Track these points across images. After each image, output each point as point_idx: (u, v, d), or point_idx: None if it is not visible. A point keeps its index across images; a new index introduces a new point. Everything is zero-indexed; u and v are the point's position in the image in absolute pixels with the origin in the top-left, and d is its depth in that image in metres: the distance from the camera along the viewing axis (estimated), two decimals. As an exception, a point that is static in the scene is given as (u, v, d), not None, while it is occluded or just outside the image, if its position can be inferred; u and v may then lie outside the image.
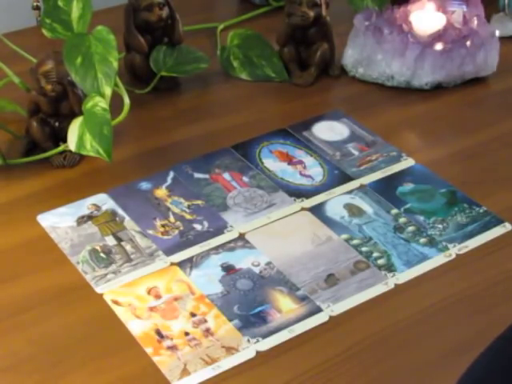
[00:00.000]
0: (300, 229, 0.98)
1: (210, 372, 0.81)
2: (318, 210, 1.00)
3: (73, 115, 1.03)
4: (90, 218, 0.98)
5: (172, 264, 0.93)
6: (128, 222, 0.98)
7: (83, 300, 0.89)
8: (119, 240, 0.96)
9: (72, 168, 1.06)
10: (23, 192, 1.02)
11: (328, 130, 1.14)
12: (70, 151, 1.03)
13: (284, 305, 0.88)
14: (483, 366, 0.73)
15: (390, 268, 0.93)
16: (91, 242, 0.95)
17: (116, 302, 0.88)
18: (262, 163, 1.07)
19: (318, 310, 0.88)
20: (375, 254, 0.94)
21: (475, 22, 1.22)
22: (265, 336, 0.85)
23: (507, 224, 0.99)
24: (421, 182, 1.05)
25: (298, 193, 1.03)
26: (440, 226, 0.99)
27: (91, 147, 0.99)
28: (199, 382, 0.81)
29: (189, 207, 1.00)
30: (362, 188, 1.04)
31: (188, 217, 0.99)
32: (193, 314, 0.87)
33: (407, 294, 0.90)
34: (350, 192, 1.03)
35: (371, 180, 1.05)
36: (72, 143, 1.01)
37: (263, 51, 1.25)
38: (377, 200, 1.02)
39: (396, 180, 1.05)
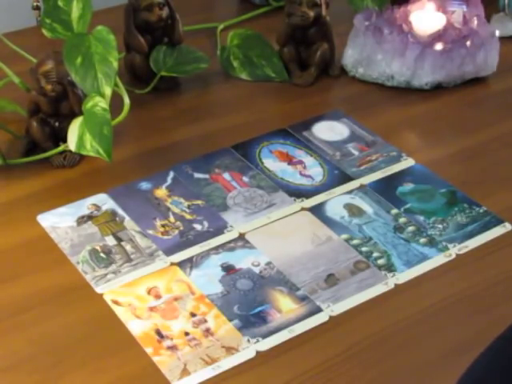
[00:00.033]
0: (300, 229, 0.98)
1: (209, 372, 0.81)
2: (317, 210, 1.00)
3: (73, 115, 1.03)
4: (89, 217, 0.99)
5: (172, 264, 0.93)
6: (128, 222, 0.98)
7: (83, 300, 0.89)
8: (119, 240, 0.96)
9: (72, 168, 1.06)
10: (23, 192, 1.02)
11: (328, 130, 1.14)
12: (70, 151, 1.03)
13: (284, 305, 0.88)
14: (483, 365, 0.73)
15: (390, 268, 0.93)
16: (91, 241, 0.95)
17: (116, 302, 0.88)
18: (262, 163, 1.07)
19: (318, 310, 0.88)
20: (375, 254, 0.94)
21: (475, 22, 1.22)
22: (265, 336, 0.85)
23: (507, 224, 0.99)
24: (421, 181, 1.05)
25: (298, 193, 1.03)
26: (440, 225, 0.99)
27: (91, 147, 0.99)
28: (199, 382, 0.81)
29: (189, 207, 1.00)
30: (361, 188, 1.04)
31: (188, 217, 0.99)
32: (193, 314, 0.87)
33: (407, 294, 0.90)
34: (350, 192, 1.03)
35: (371, 180, 1.05)
36: (72, 143, 1.01)
37: (263, 51, 1.25)
38: (377, 200, 1.02)
39: (396, 180, 1.05)
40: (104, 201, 1.01)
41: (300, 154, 1.09)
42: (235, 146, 1.10)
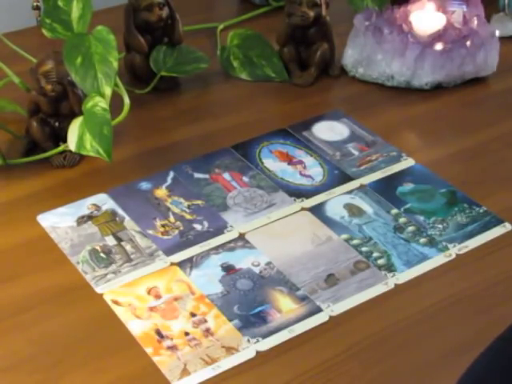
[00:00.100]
0: (300, 229, 0.98)
1: (209, 372, 0.81)
2: (318, 210, 1.00)
3: (73, 115, 1.03)
4: (89, 217, 0.99)
5: (172, 264, 0.93)
6: (128, 222, 0.98)
7: (83, 300, 0.89)
8: (119, 240, 0.96)
9: (72, 168, 1.06)
10: (23, 192, 1.02)
11: (328, 130, 1.14)
12: (70, 151, 1.03)
13: (284, 305, 0.88)
14: (483, 365, 0.73)
15: (390, 268, 0.93)
16: (91, 241, 0.95)
17: (116, 302, 0.88)
18: (262, 163, 1.07)
19: (318, 309, 0.88)
20: (375, 254, 0.94)
21: (475, 22, 1.22)
22: (265, 336, 0.85)
23: (507, 224, 0.99)
24: (421, 181, 1.05)
25: (298, 193, 1.03)
26: (440, 226, 0.99)
27: (91, 147, 0.99)
28: (199, 382, 0.81)
29: (189, 207, 1.00)
30: (361, 188, 1.04)
31: (188, 217, 0.99)
32: (193, 314, 0.87)
33: (407, 294, 0.90)
34: (350, 192, 1.03)
35: (371, 180, 1.05)
36: (72, 143, 1.01)
37: (263, 51, 1.25)
38: (377, 200, 1.02)
39: (396, 180, 1.05)
40: (104, 201, 1.01)
41: (300, 153, 1.09)
42: (235, 146, 1.10)
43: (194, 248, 0.95)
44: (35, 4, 1.31)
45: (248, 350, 0.84)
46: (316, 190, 1.03)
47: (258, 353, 0.83)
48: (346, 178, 1.05)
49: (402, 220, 0.99)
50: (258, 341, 0.84)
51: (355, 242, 0.96)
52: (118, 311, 0.87)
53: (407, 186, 1.04)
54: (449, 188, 1.04)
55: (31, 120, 1.05)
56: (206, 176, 1.05)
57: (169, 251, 0.94)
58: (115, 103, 1.04)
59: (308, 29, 1.21)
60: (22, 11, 1.32)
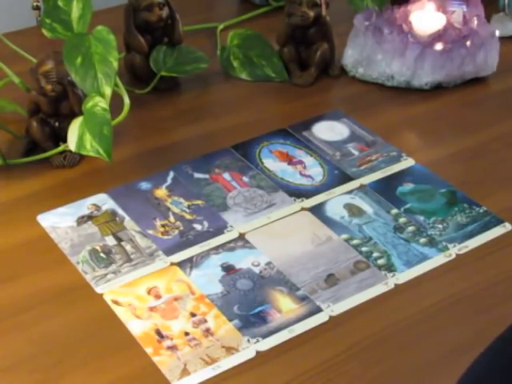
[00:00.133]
0: (300, 229, 0.98)
1: (210, 372, 0.81)
2: (318, 210, 1.00)
3: (73, 115, 1.03)
4: (89, 217, 0.99)
5: (172, 264, 0.93)
6: (128, 222, 0.98)
7: (83, 300, 0.89)
8: (119, 240, 0.96)
9: (72, 168, 1.06)
10: (23, 192, 1.02)
11: (328, 130, 1.14)
12: (70, 151, 1.03)
13: (284, 305, 0.88)
14: (483, 366, 0.73)
15: (390, 268, 0.93)
16: (91, 242, 0.95)
17: (116, 302, 0.88)
18: (262, 163, 1.07)
19: (318, 310, 0.88)
20: (375, 254, 0.94)
21: (475, 22, 1.22)
22: (265, 336, 0.85)
23: (507, 224, 0.99)
24: (421, 181, 1.05)
25: (298, 193, 1.03)
26: (440, 225, 0.99)
27: (91, 147, 0.99)
28: (199, 382, 0.81)
29: (189, 207, 1.00)
30: (361, 188, 1.04)
31: (188, 217, 0.99)
32: (193, 314, 0.87)
33: (407, 294, 0.90)
34: (350, 192, 1.03)
35: (371, 180, 1.05)
36: (72, 143, 1.01)
37: (263, 51, 1.25)
38: (377, 200, 1.02)
39: (396, 180, 1.05)
40: (104, 201, 1.01)
41: (300, 154, 1.09)
42: (235, 146, 1.10)
43: (194, 248, 0.95)
44: (35, 4, 1.31)
45: (248, 350, 0.84)
46: (316, 190, 1.03)
47: (257, 353, 0.83)
48: (345, 178, 1.05)
49: (401, 220, 0.99)
50: (258, 341, 0.84)
51: (355, 242, 0.96)
52: (118, 311, 0.87)
53: (407, 186, 1.04)
54: (449, 188, 1.04)
55: (31, 120, 1.05)
56: (206, 176, 1.05)
57: (169, 251, 0.94)
58: (115, 103, 1.04)
59: (308, 29, 1.21)
60: (22, 11, 1.32)
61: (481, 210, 1.01)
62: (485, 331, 0.85)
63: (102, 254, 0.94)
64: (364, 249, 0.95)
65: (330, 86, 1.24)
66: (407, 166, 1.08)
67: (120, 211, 0.99)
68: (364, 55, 1.22)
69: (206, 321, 0.86)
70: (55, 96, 1.03)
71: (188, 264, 0.93)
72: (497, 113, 1.18)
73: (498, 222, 0.99)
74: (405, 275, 0.92)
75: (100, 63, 1.02)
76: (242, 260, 0.93)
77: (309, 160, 1.08)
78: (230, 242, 0.96)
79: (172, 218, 0.99)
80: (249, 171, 1.06)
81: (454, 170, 1.07)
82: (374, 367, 0.83)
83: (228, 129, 1.14)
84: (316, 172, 1.06)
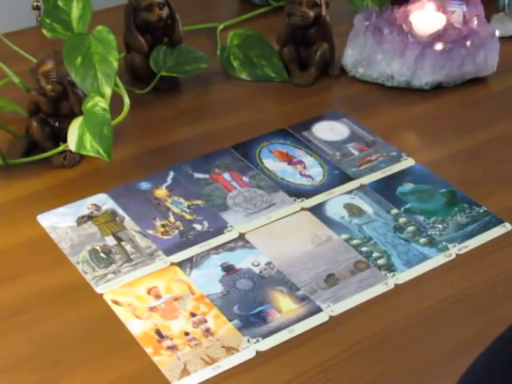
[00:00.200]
0: (300, 229, 0.98)
1: (209, 372, 0.81)
2: (318, 210, 1.00)
3: (73, 115, 1.03)
4: (90, 218, 0.99)
5: (172, 264, 0.93)
6: (128, 222, 0.98)
7: (83, 300, 0.89)
8: (119, 240, 0.96)
9: (72, 168, 1.06)
10: (23, 192, 1.02)
11: (328, 130, 1.14)
12: (70, 151, 1.03)
13: (284, 305, 0.88)
14: (483, 366, 0.73)
15: (390, 268, 0.93)
16: (91, 241, 0.95)
17: (116, 302, 0.88)
18: (262, 163, 1.07)
19: (318, 309, 0.88)
20: (375, 254, 0.94)
21: (475, 22, 1.22)
22: (265, 336, 0.85)
23: (507, 224, 0.99)
24: (421, 181, 1.05)
25: (297, 193, 1.03)
26: (440, 225, 0.99)
27: (91, 147, 0.99)
28: (199, 382, 0.81)
29: (189, 207, 1.00)
30: (361, 188, 1.04)
31: (188, 217, 0.99)
32: (193, 314, 0.87)
33: (407, 294, 0.90)
34: (350, 192, 1.03)
35: (371, 180, 1.05)
36: (72, 143, 1.01)
37: (263, 51, 1.25)
38: (377, 200, 1.02)
39: (396, 180, 1.05)
40: (104, 201, 1.01)
41: (300, 154, 1.09)
42: (235, 146, 1.10)
43: (194, 248, 0.95)
44: (35, 4, 1.31)
45: (248, 350, 0.84)
46: (316, 190, 1.03)
47: (257, 353, 0.83)
48: (346, 178, 1.05)
49: (402, 220, 0.99)
50: (258, 341, 0.84)
51: (355, 242, 0.96)
52: (118, 311, 0.87)
53: (407, 186, 1.04)
54: (449, 188, 1.04)
55: (31, 120, 1.05)
56: (206, 176, 1.05)
57: (169, 251, 0.94)
58: (115, 103, 1.04)
59: (308, 29, 1.21)
60: (22, 11, 1.32)
61: (481, 210, 1.01)
62: (485, 331, 0.85)
63: (101, 254, 0.94)
64: (364, 249, 0.95)
65: (330, 86, 1.24)
66: (407, 165, 1.08)
67: (120, 211, 0.99)
68: (364, 55, 1.23)
69: (205, 321, 0.86)
70: (55, 96, 1.03)
71: (188, 264, 0.93)
72: (497, 113, 1.18)
73: (498, 222, 0.99)
74: (405, 275, 0.92)
75: (100, 63, 1.02)
76: (242, 260, 0.93)
77: (309, 160, 1.08)
78: (229, 241, 0.96)
79: (172, 218, 0.99)
80: (249, 171, 1.06)
81: (453, 170, 1.07)
82: (374, 367, 0.83)
83: (228, 129, 1.14)
84: (316, 172, 1.06)
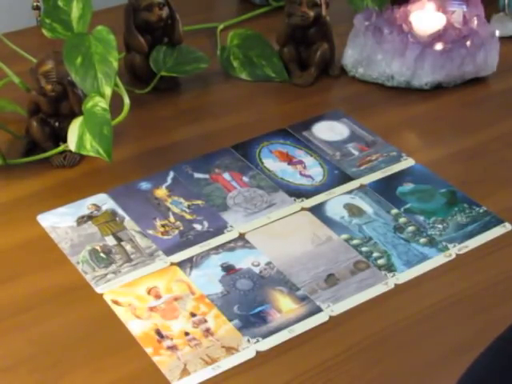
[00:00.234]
0: (300, 229, 0.98)
1: (209, 372, 0.81)
2: (318, 210, 1.00)
3: (73, 115, 1.03)
4: (90, 217, 0.99)
5: (172, 264, 0.93)
6: (128, 222, 0.98)
7: (83, 300, 0.89)
8: (119, 240, 0.96)
9: (72, 168, 1.06)
10: (23, 192, 1.02)
11: (328, 130, 1.14)
12: (70, 151, 1.03)
13: (284, 305, 0.88)
14: (483, 366, 0.73)
15: (390, 268, 0.93)
16: (91, 241, 0.95)
17: (116, 302, 0.88)
18: (262, 163, 1.07)
19: (318, 309, 0.88)
20: (375, 254, 0.94)
21: (475, 22, 1.22)
22: (265, 336, 0.85)
23: (507, 224, 0.99)
24: (421, 181, 1.05)
25: (297, 193, 1.03)
26: (440, 225, 0.99)
27: (91, 147, 0.99)
28: (199, 382, 0.81)
29: (189, 207, 1.00)
30: (362, 188, 1.04)
31: (188, 217, 0.99)
32: (193, 314, 0.87)
33: (407, 294, 0.90)
34: (350, 192, 1.03)
35: (371, 180, 1.05)
36: (72, 143, 1.01)
37: (263, 51, 1.25)
38: (377, 200, 1.02)
39: (396, 180, 1.05)
40: (104, 201, 1.01)
41: (300, 154, 1.09)
42: (235, 146, 1.10)
43: (194, 248, 0.95)
44: (35, 4, 1.31)
45: (248, 350, 0.84)
46: (316, 190, 1.03)
47: (258, 353, 0.83)
48: (346, 178, 1.05)
49: (402, 220, 0.99)
50: (258, 341, 0.84)
51: (355, 242, 0.96)
52: (118, 311, 0.87)
53: (407, 186, 1.04)
54: (449, 188, 1.04)
55: (31, 120, 1.05)
56: (206, 176, 1.05)
57: (169, 251, 0.94)
58: (115, 103, 1.04)
59: (308, 29, 1.21)
60: (22, 11, 1.32)
61: (481, 210, 1.01)
62: (485, 331, 0.85)
63: (101, 254, 0.94)
64: (364, 249, 0.95)
65: (330, 86, 1.24)
66: (407, 165, 1.08)
67: (120, 211, 0.99)
68: (364, 55, 1.22)
69: (206, 321, 0.86)
70: (55, 96, 1.03)
71: (188, 264, 0.93)
72: (497, 113, 1.18)
73: (498, 222, 0.99)
74: (405, 275, 0.92)
75: (100, 63, 1.02)
76: (242, 260, 0.93)
77: (309, 160, 1.08)
78: (230, 241, 0.96)
79: (172, 218, 0.99)
80: (249, 171, 1.06)
81: (454, 170, 1.07)
82: (374, 367, 0.83)
83: (228, 129, 1.14)
84: (316, 172, 1.06)
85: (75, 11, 1.08)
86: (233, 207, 1.00)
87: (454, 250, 0.95)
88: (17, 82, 1.10)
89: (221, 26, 1.32)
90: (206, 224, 0.98)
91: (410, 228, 0.98)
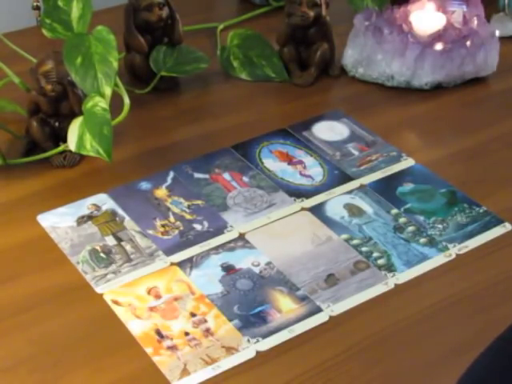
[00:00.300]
0: (300, 229, 0.98)
1: (209, 372, 0.81)
2: (318, 210, 1.00)
3: (73, 115, 1.03)
4: (89, 217, 0.99)
5: (172, 264, 0.93)
6: (128, 222, 0.98)
7: (83, 300, 0.89)
8: (119, 240, 0.96)
9: (72, 168, 1.06)
10: (23, 192, 1.02)
11: (328, 130, 1.14)
12: (70, 151, 1.03)
13: (284, 305, 0.88)
14: (483, 366, 0.73)
15: (390, 268, 0.93)
16: (91, 242, 0.95)
17: (116, 302, 0.88)
18: (262, 163, 1.07)
19: (318, 309, 0.88)
20: (375, 254, 0.94)
21: (475, 22, 1.22)
22: (265, 336, 0.85)
23: (507, 224, 0.99)
24: (421, 181, 1.05)
25: (297, 193, 1.03)
26: (440, 225, 0.99)
27: (91, 147, 0.99)
28: (199, 382, 0.81)
29: (189, 207, 1.00)
30: (362, 188, 1.04)
31: (188, 217, 0.99)
32: (193, 314, 0.87)
33: (407, 294, 0.90)
34: (350, 192, 1.03)
35: (371, 180, 1.05)
36: (72, 143, 1.01)
37: (263, 51, 1.25)
38: (377, 200, 1.02)
39: (396, 180, 1.05)
40: (104, 201, 1.01)
41: (300, 154, 1.09)
42: (235, 146, 1.10)
43: (194, 248, 0.95)
44: (35, 4, 1.31)
45: (248, 350, 0.84)
46: (316, 190, 1.03)
47: (258, 353, 0.83)
48: (346, 178, 1.05)
49: (402, 220, 0.99)
50: (258, 341, 0.84)
51: (355, 242, 0.96)
52: (118, 311, 0.87)
53: (407, 186, 1.04)
54: (449, 188, 1.04)
55: (31, 120, 1.05)
56: (206, 176, 1.05)
57: (169, 251, 0.94)
58: (115, 103, 1.04)
59: (308, 29, 1.21)
60: (22, 11, 1.32)
61: (481, 210, 1.01)
62: (485, 331, 0.85)
63: (102, 254, 0.94)
64: (364, 249, 0.95)
65: (330, 86, 1.24)
66: (407, 165, 1.08)
67: (120, 211, 0.99)
68: (364, 55, 1.22)
69: (206, 321, 0.86)
70: (55, 96, 1.03)
71: (188, 264, 0.93)
72: (497, 113, 1.18)
73: (498, 221, 0.99)
74: (405, 275, 0.92)
75: (100, 63, 1.02)
76: (242, 260, 0.93)
77: (309, 160, 1.08)
78: (230, 241, 0.96)
79: (172, 218, 0.99)
80: (249, 171, 1.06)
81: (454, 170, 1.07)
82: (374, 367, 0.83)
83: (228, 129, 1.14)
84: (316, 172, 1.06)
85: (75, 11, 1.08)
86: (233, 207, 1.00)
87: (454, 250, 0.95)
88: (17, 82, 1.10)
89: (221, 26, 1.32)
90: (205, 224, 0.98)
91: (410, 228, 0.98)
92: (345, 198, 1.02)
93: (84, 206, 1.00)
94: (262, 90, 1.22)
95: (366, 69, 1.23)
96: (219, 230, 0.97)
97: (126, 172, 1.05)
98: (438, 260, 0.94)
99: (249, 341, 0.84)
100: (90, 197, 1.01)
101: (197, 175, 1.05)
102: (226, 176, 1.05)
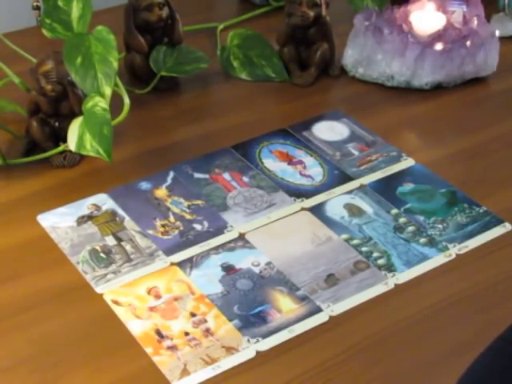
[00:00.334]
0: (300, 229, 0.98)
1: (209, 372, 0.81)
2: (318, 210, 1.00)
3: (73, 115, 1.03)
4: (90, 217, 0.99)
5: (172, 264, 0.93)
6: (128, 222, 0.98)
7: (83, 300, 0.89)
8: (119, 240, 0.96)
9: (72, 168, 1.06)
10: (23, 192, 1.02)
11: (328, 130, 1.14)
12: (70, 151, 1.03)
13: (284, 305, 0.88)
14: (483, 366, 0.73)
15: (390, 268, 0.93)
16: (91, 241, 0.95)
17: (116, 302, 0.88)
18: (262, 163, 1.07)
19: (318, 309, 0.88)
20: (375, 254, 0.94)
21: (475, 22, 1.22)
22: (265, 336, 0.85)
23: (507, 224, 0.99)
24: (421, 181, 1.05)
25: (297, 193, 1.03)
26: (440, 225, 0.99)
27: (91, 147, 0.99)
28: (199, 382, 0.81)
29: (189, 207, 1.00)
30: (362, 188, 1.04)
31: (188, 217, 0.99)
32: (193, 314, 0.87)
33: (407, 294, 0.90)
34: (350, 192, 1.03)
35: (371, 180, 1.05)
36: (72, 143, 1.01)
37: (263, 51, 1.25)
38: (377, 200, 1.02)
39: (396, 180, 1.05)
40: (104, 201, 1.01)
41: (300, 154, 1.09)
42: (235, 146, 1.10)
43: (194, 248, 0.95)
44: (35, 4, 1.31)
45: (248, 350, 0.84)
46: (316, 190, 1.03)
47: (258, 353, 0.83)
48: (346, 178, 1.05)
49: (402, 220, 0.99)
50: (258, 341, 0.84)
51: (355, 241, 0.96)
52: (118, 311, 0.87)
53: (407, 186, 1.04)
54: (449, 188, 1.04)
55: (31, 120, 1.05)
56: (206, 176, 1.05)
57: (169, 251, 0.94)
58: (115, 103, 1.04)
59: (308, 29, 1.21)
60: (22, 11, 1.32)
61: (481, 210, 1.01)
62: (485, 331, 0.85)
63: (102, 254, 0.94)
64: (364, 249, 0.95)
65: (330, 86, 1.24)
66: (407, 165, 1.08)
67: (120, 211, 0.99)
68: (364, 55, 1.22)
69: (206, 321, 0.86)
70: (55, 96, 1.03)
71: (188, 264, 0.93)
72: (497, 113, 1.18)
73: (498, 222, 0.99)
74: (405, 275, 0.92)
75: (100, 63, 1.02)
76: (242, 260, 0.93)
77: (309, 160, 1.08)
78: (230, 241, 0.96)
79: (172, 218, 0.99)
80: (249, 171, 1.06)
81: (454, 170, 1.07)
82: (374, 367, 0.83)
83: (228, 129, 1.14)
84: (316, 172, 1.06)
85: (75, 11, 1.08)
86: (233, 207, 1.00)
87: (454, 250, 0.95)
88: (17, 82, 1.10)
89: (221, 26, 1.32)
90: (206, 224, 0.98)
91: (410, 228, 0.98)
92: (345, 198, 1.02)
93: (84, 206, 1.00)
94: (261, 90, 1.22)
95: (366, 69, 1.23)
96: (219, 230, 0.97)
97: (125, 172, 1.05)
98: (437, 260, 0.94)
99: (249, 341, 0.84)
100: (90, 197, 1.01)
101: (197, 175, 1.05)
102: (226, 176, 1.05)
